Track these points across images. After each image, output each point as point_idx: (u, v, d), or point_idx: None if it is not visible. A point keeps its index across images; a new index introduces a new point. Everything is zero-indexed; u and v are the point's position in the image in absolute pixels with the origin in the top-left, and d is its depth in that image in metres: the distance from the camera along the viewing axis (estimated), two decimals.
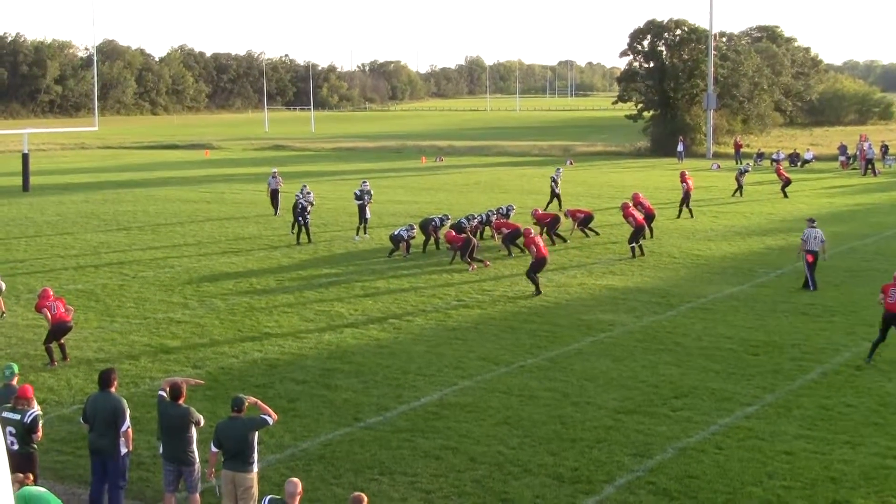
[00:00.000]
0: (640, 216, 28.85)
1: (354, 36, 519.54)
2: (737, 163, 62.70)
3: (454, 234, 28.07)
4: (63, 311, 17.75)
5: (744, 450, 13.23)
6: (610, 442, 13.55)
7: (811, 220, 24.49)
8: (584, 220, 31.72)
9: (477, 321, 20.63)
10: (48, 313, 17.58)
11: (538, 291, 23.09)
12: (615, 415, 14.65)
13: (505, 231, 29.36)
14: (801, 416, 14.56)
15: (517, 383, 16.23)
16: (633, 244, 28.12)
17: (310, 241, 31.09)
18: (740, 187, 43.71)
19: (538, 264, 23.42)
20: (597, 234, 31.70)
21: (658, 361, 17.49)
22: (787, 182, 43.34)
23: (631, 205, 29.53)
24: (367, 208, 32.38)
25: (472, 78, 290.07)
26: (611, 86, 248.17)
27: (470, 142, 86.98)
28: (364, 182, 33.78)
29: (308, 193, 32.48)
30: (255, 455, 10.88)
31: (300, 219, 31.29)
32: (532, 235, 24.14)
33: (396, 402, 15.36)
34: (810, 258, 23.46)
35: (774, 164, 56.13)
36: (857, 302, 22.24)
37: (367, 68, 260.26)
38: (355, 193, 32.86)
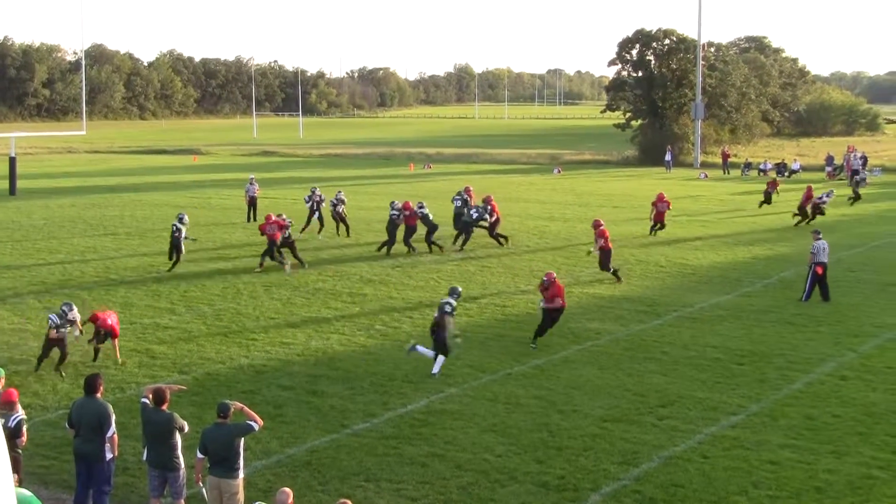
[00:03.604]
0: (608, 241, 26.38)
1: (343, 42, 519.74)
2: (724, 172, 63.12)
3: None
4: (110, 322, 17.86)
5: (729, 459, 13.26)
6: (596, 450, 13.56)
7: (817, 232, 24.42)
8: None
9: (464, 328, 20.59)
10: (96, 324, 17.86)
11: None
12: (601, 423, 14.67)
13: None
14: (786, 425, 14.61)
15: (504, 391, 16.24)
16: (611, 270, 25.98)
17: (320, 230, 34.08)
18: (768, 200, 43.09)
19: (555, 313, 19.49)
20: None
21: (644, 370, 17.52)
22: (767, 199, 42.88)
23: (604, 224, 27.16)
24: (319, 212, 34.60)
25: (460, 85, 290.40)
26: (599, 95, 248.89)
27: (458, 149, 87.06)
28: (313, 188, 35.79)
29: (317, 192, 35.19)
30: (241, 461, 10.86)
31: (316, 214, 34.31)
32: (555, 280, 19.49)
33: (383, 408, 15.35)
34: (819, 270, 23.37)
35: (762, 173, 56.01)
36: (843, 312, 22.33)
37: (355, 75, 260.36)
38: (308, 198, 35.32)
